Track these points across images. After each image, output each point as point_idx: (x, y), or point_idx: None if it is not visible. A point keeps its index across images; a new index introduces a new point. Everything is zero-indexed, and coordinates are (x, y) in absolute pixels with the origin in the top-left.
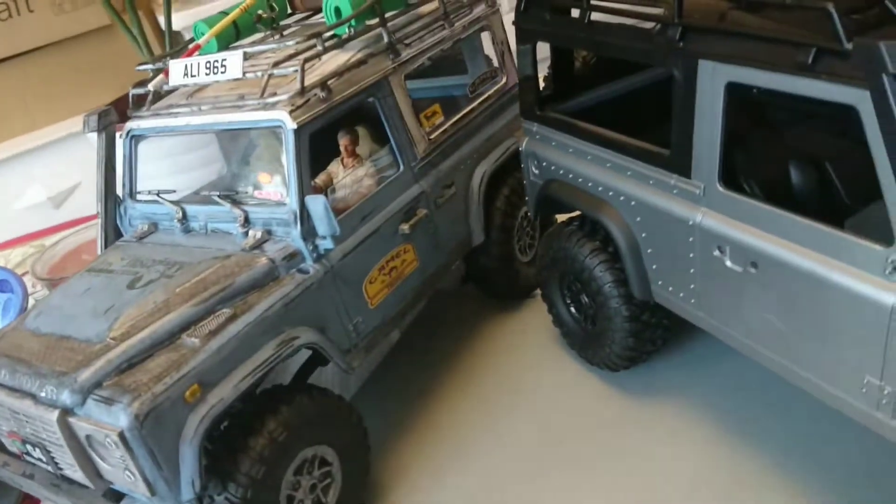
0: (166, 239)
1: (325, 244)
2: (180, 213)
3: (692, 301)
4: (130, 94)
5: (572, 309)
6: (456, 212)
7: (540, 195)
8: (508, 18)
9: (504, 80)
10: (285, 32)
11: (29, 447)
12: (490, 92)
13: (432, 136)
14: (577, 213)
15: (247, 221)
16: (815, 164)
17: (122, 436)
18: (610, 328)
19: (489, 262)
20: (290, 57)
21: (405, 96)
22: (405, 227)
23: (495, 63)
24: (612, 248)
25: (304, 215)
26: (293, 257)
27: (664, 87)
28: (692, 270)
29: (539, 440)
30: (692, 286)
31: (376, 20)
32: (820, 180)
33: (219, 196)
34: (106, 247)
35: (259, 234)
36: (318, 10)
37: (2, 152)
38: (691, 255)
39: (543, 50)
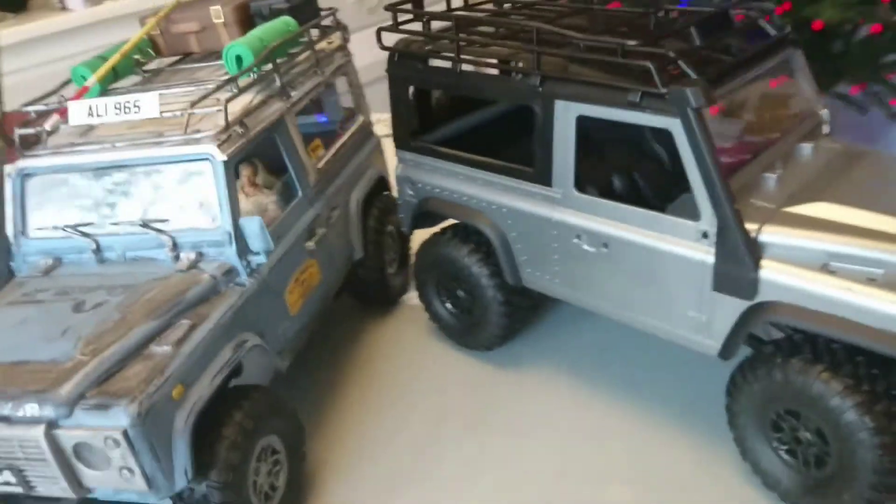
0: (83, 270)
1: (258, 259)
2: (94, 245)
3: (556, 280)
4: (17, 135)
5: (448, 305)
6: (341, 231)
7: (416, 212)
8: None
9: (361, 118)
10: (159, 76)
11: None
12: (353, 128)
13: (319, 166)
14: (450, 223)
15: (175, 246)
16: (638, 170)
17: (125, 434)
18: (487, 313)
19: (367, 273)
20: (203, 98)
21: (297, 132)
22: (310, 244)
23: (351, 104)
24: (484, 248)
25: (238, 235)
26: (229, 273)
27: (510, 117)
28: (556, 256)
29: (436, 418)
30: (556, 269)
31: (269, 66)
32: (643, 181)
33: (141, 225)
34: None
35: (193, 256)
36: (182, 56)
37: None
38: (555, 245)
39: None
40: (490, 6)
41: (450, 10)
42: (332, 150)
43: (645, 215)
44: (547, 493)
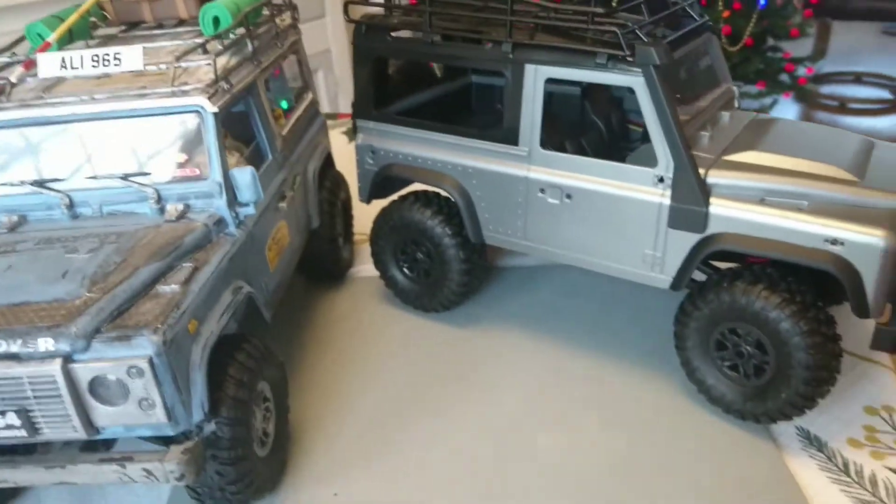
0: (58, 224)
1: (247, 210)
2: (67, 200)
3: (519, 234)
4: None
5: (406, 270)
6: (301, 200)
7: (376, 179)
8: None
9: (311, 95)
10: (112, 42)
11: None
12: (306, 104)
13: (283, 133)
14: (410, 191)
15: (160, 199)
16: (594, 128)
17: (151, 362)
18: (448, 272)
19: (320, 244)
20: (186, 53)
21: (266, 98)
22: (283, 205)
23: (301, 81)
24: (446, 210)
25: (227, 186)
26: (219, 224)
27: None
28: (520, 211)
29: (404, 375)
30: (520, 223)
31: (243, 31)
32: (599, 137)
33: (122, 178)
34: None
35: (181, 207)
36: (133, 24)
37: None
38: (520, 200)
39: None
40: None
41: None
42: (292, 121)
43: (606, 166)
44: (520, 431)
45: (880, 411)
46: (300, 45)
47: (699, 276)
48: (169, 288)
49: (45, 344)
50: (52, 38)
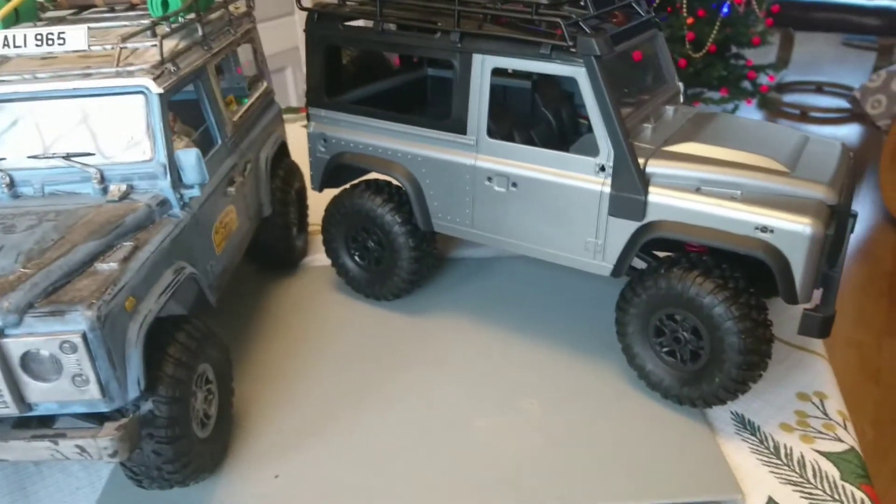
0: None
1: (192, 192)
2: (7, 179)
3: (468, 223)
4: None
5: (357, 258)
6: (252, 187)
7: (328, 167)
8: None
9: (265, 84)
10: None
11: None
12: (260, 91)
13: (234, 119)
14: (361, 180)
15: (103, 179)
16: (543, 121)
17: (84, 337)
18: (397, 260)
19: (273, 232)
20: (133, 35)
21: (217, 83)
22: (231, 190)
23: (255, 70)
24: (397, 198)
25: (172, 168)
26: (163, 205)
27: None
28: (468, 199)
29: (351, 361)
30: (468, 211)
31: (193, 15)
32: (548, 130)
33: (65, 158)
34: None
35: (123, 188)
36: (83, 8)
37: None
38: (468, 189)
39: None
40: None
41: None
42: (245, 107)
43: (550, 155)
44: (461, 412)
45: (812, 397)
46: (255, 33)
47: (641, 265)
48: (107, 266)
49: None
50: (1, 13)
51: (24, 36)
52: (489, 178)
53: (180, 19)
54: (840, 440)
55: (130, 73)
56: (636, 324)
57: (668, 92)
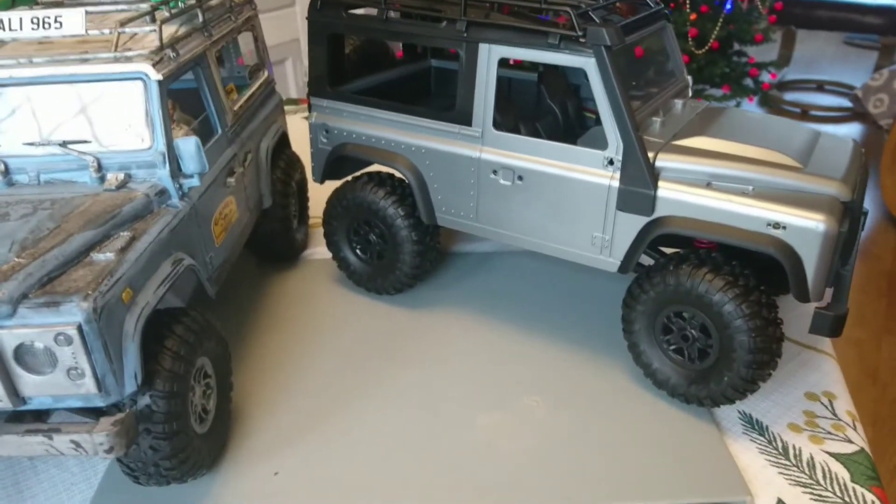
0: None
1: (191, 182)
2: (2, 167)
3: (472, 216)
4: None
5: (358, 251)
6: (252, 178)
7: (330, 158)
8: None
9: (265, 73)
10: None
11: None
12: (261, 81)
13: (235, 109)
14: (364, 171)
15: (100, 167)
16: (549, 114)
17: (80, 328)
18: (400, 253)
19: (273, 224)
20: (132, 19)
21: (217, 71)
22: (231, 180)
23: (256, 59)
24: (400, 191)
25: (171, 156)
26: (161, 194)
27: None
28: (472, 192)
29: (352, 355)
30: (472, 205)
31: (193, 1)
32: (554, 123)
33: (61, 145)
34: None
35: (121, 177)
36: None
37: None
38: (472, 181)
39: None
40: None
41: None
42: (245, 96)
43: (557, 148)
44: (463, 409)
45: (821, 397)
46: (256, 21)
47: (648, 262)
48: (104, 256)
49: None
50: None
51: (20, 19)
52: (494, 171)
53: (180, 4)
54: (850, 441)
55: (129, 59)
56: (643, 321)
57: (677, 85)
